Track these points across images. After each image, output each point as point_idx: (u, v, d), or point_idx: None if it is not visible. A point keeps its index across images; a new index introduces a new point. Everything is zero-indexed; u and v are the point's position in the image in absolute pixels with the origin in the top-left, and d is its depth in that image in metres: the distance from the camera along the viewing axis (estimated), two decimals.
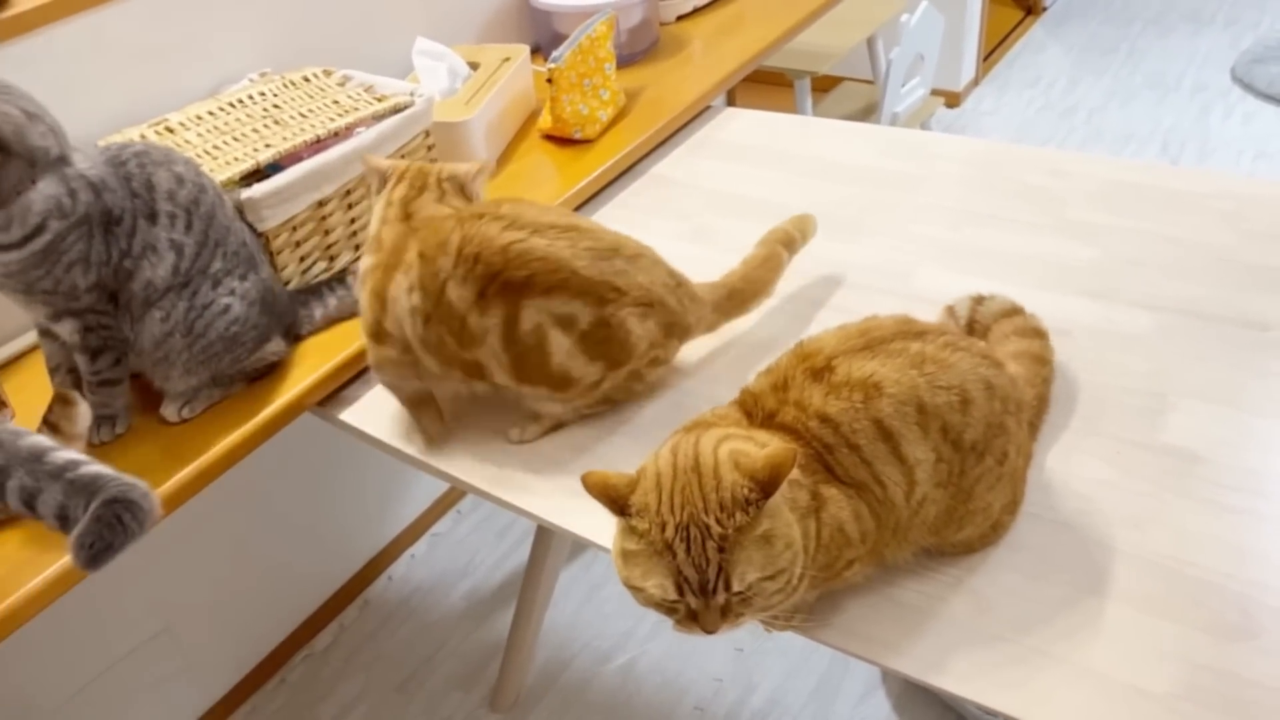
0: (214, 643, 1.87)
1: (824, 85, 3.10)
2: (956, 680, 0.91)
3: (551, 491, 1.16)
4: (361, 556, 2.11)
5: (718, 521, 0.80)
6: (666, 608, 0.84)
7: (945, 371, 0.93)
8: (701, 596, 0.81)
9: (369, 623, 2.05)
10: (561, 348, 1.13)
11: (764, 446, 0.85)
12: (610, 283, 1.13)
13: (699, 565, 0.81)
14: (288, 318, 1.33)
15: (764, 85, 3.03)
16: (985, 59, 3.81)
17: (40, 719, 1.61)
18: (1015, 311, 1.21)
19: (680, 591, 0.82)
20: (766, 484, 0.81)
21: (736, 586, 0.81)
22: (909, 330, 0.97)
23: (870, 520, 0.91)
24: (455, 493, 2.28)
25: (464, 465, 1.22)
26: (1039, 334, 1.18)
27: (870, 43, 2.92)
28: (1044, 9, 4.29)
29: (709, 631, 0.83)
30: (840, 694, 1.80)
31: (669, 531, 0.81)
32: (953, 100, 3.61)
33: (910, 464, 0.91)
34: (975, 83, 3.73)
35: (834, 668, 1.83)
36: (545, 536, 1.74)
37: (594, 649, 1.93)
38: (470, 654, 1.96)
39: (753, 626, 0.90)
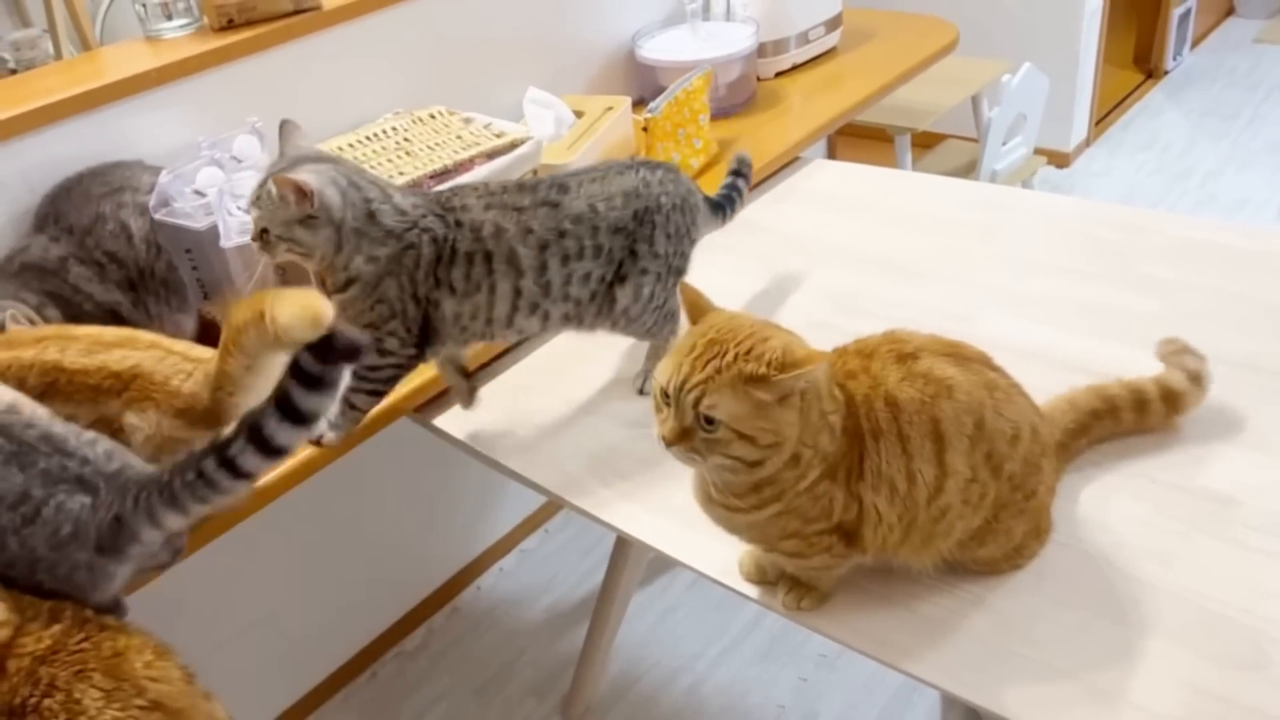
0: (315, 634, 2.02)
1: (928, 142, 3.17)
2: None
3: (629, 504, 1.26)
4: (454, 565, 2.26)
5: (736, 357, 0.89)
6: (658, 404, 0.94)
7: (1009, 405, 1.01)
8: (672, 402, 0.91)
9: (457, 628, 2.19)
10: None
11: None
12: None
13: (690, 371, 0.90)
14: None
15: (866, 140, 3.12)
16: (1099, 121, 3.81)
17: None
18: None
19: (666, 395, 0.92)
20: (783, 368, 0.89)
21: (705, 409, 0.89)
22: (989, 362, 1.05)
23: (850, 510, 0.98)
24: (545, 511, 2.41)
25: (546, 474, 1.33)
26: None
27: (975, 101, 2.97)
28: (1165, 73, 4.25)
29: (665, 440, 0.92)
30: None
31: (699, 343, 0.91)
32: (1062, 161, 3.62)
33: (947, 471, 0.98)
34: (1087, 144, 3.73)
35: (896, 701, 1.87)
36: (622, 550, 1.84)
37: (663, 668, 2.01)
38: (547, 664, 2.06)
39: (817, 655, 0.93)
